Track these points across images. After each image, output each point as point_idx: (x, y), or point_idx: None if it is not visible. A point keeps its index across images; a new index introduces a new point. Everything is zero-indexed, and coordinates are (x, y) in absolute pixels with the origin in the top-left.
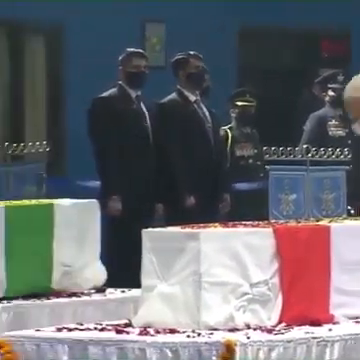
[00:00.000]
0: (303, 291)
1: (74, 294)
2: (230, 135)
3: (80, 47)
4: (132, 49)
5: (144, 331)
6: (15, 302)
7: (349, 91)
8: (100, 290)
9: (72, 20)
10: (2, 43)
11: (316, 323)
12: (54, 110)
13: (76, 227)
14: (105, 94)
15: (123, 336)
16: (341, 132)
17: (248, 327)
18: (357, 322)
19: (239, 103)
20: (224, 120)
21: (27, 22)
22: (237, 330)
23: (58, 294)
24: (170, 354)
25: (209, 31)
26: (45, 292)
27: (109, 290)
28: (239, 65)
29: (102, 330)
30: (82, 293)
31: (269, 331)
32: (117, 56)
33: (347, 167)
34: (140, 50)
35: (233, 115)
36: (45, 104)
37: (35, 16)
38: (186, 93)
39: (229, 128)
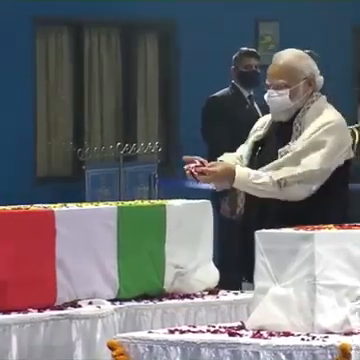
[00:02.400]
0: None
1: (186, 296)
2: (357, 135)
3: (193, 46)
4: (245, 48)
5: (257, 334)
6: (127, 303)
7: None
8: (213, 292)
9: (185, 19)
10: (115, 42)
11: None
12: (167, 110)
13: (189, 228)
14: (218, 94)
15: (236, 339)
16: None
17: None
18: None
19: None
20: (354, 119)
21: (140, 21)
22: (352, 333)
23: (170, 296)
24: (284, 357)
25: (323, 29)
26: (157, 294)
27: (222, 292)
28: (353, 62)
29: (215, 332)
30: (194, 295)
31: None
32: (230, 55)
33: None
34: (253, 49)
35: None
36: (158, 104)
37: (148, 15)
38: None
39: (357, 128)
